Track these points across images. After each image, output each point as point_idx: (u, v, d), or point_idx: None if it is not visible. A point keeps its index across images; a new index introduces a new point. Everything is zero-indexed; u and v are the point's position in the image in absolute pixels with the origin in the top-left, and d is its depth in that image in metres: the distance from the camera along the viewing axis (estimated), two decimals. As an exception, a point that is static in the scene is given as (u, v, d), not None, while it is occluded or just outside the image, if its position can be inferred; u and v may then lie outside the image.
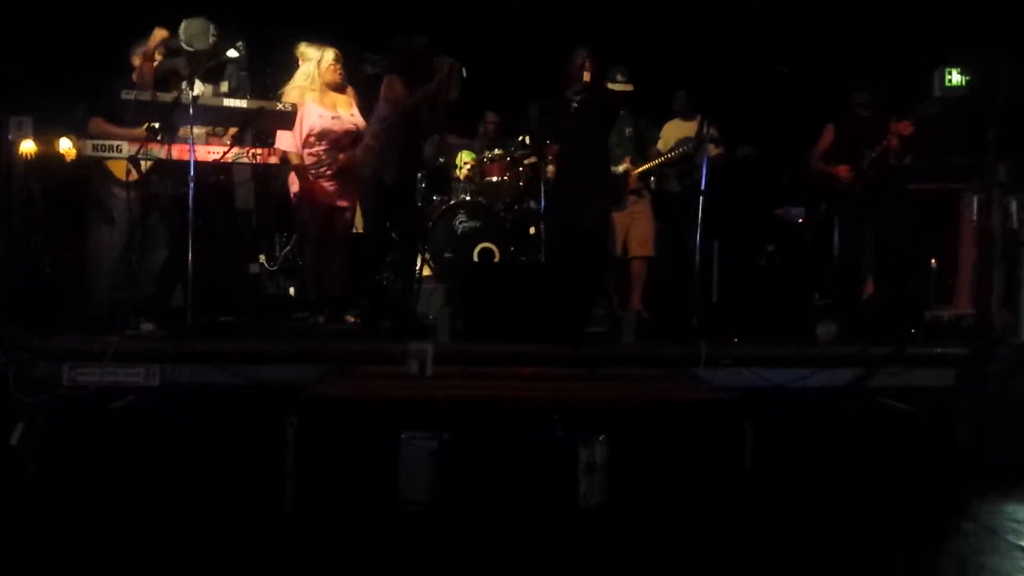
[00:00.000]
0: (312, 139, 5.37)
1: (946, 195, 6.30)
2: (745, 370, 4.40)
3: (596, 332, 5.01)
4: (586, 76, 5.63)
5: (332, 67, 5.40)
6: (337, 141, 5.40)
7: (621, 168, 6.26)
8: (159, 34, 5.25)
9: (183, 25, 5.25)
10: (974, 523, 3.63)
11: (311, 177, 5.39)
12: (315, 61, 5.40)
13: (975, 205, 5.98)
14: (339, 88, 5.48)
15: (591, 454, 3.57)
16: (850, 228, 5.85)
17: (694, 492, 3.64)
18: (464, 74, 5.35)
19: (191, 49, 5.24)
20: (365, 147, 5.39)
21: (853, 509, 3.72)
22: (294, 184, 5.49)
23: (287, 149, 5.31)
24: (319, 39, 5.48)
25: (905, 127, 5.58)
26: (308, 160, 5.38)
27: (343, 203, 5.54)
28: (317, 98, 5.40)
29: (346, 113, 5.46)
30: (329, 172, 5.41)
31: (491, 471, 3.62)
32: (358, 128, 5.45)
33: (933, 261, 6.11)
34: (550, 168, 6.10)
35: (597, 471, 3.57)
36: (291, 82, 5.43)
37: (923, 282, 5.95)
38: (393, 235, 6.24)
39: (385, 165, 5.30)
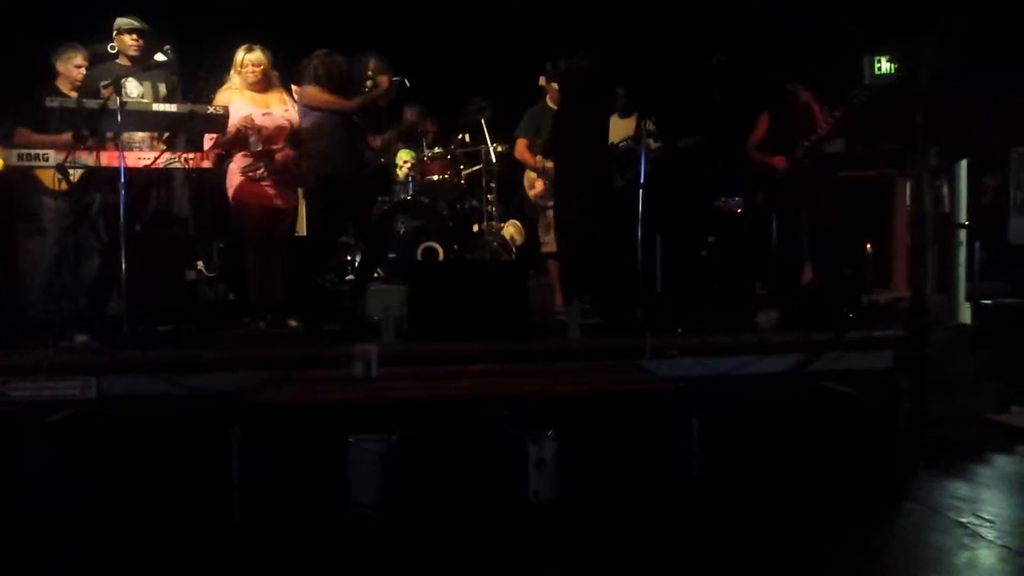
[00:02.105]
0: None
1: (879, 181, 6.44)
2: (690, 360, 4.43)
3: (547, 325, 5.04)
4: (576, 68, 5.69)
5: (249, 69, 5.27)
6: (270, 137, 5.30)
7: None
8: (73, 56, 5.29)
9: (118, 20, 5.25)
10: (916, 502, 3.71)
11: (247, 178, 5.30)
12: (238, 57, 5.31)
13: (908, 190, 6.11)
14: (262, 88, 5.35)
15: (540, 450, 3.57)
16: (787, 216, 5.93)
17: (643, 482, 3.67)
18: (407, 85, 5.41)
19: (134, 27, 5.23)
20: (307, 150, 5.32)
21: (798, 492, 3.79)
22: (231, 187, 5.38)
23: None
24: (254, 41, 5.40)
25: (829, 123, 5.66)
26: (242, 161, 5.28)
27: (281, 204, 5.44)
28: (247, 98, 5.30)
29: (279, 110, 5.36)
30: (264, 172, 5.30)
31: (441, 471, 3.60)
32: (291, 124, 5.36)
33: (869, 246, 6.23)
34: (548, 163, 6.13)
35: (547, 467, 3.57)
36: (224, 86, 5.34)
37: (859, 267, 6.05)
38: (341, 238, 6.20)
39: (330, 166, 5.26)
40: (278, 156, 5.29)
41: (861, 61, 6.83)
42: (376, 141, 6.28)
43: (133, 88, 5.20)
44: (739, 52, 6.85)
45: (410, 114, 7.03)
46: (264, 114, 5.29)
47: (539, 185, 6.63)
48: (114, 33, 5.30)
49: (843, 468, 3.95)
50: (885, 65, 6.81)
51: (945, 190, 5.93)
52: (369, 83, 5.34)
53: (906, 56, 6.30)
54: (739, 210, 6.66)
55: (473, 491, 3.57)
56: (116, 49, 5.32)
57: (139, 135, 4.99)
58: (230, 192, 5.39)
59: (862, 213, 6.25)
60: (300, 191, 5.79)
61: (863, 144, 6.39)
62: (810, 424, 4.02)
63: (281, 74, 5.53)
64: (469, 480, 3.59)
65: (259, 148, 5.21)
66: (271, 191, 5.37)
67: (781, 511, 3.63)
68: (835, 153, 6.10)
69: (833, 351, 4.48)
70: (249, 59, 5.27)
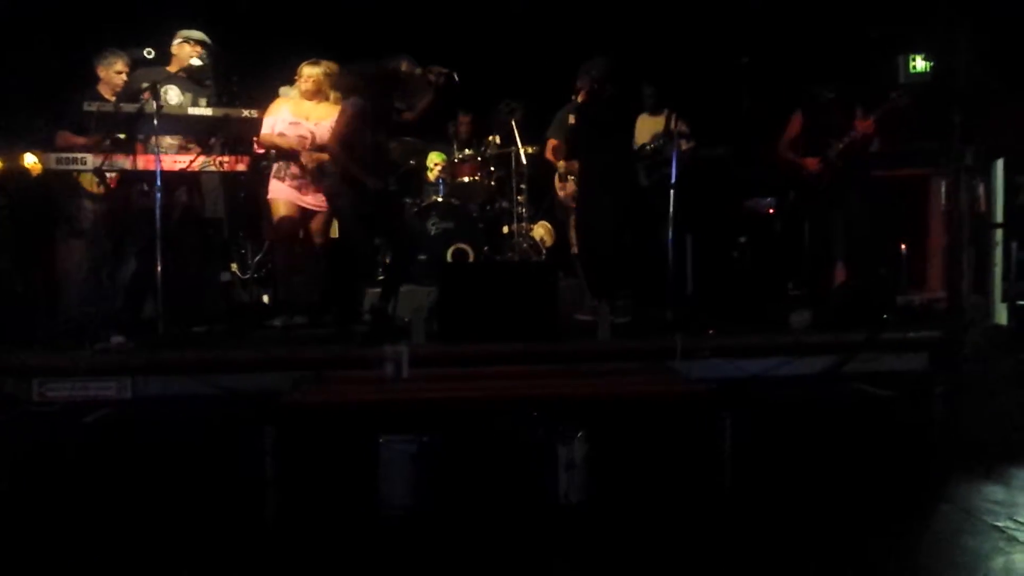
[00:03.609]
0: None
1: (914, 180, 6.35)
2: (721, 361, 4.40)
3: (578, 326, 5.02)
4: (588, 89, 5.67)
5: (305, 78, 5.49)
6: (292, 146, 5.41)
7: None
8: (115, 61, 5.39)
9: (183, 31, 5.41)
10: (951, 504, 3.65)
11: (276, 177, 5.47)
12: (301, 70, 5.52)
13: (943, 189, 6.03)
14: (314, 99, 5.52)
15: (570, 451, 3.56)
16: (819, 217, 5.88)
17: (674, 485, 3.64)
18: (456, 79, 5.38)
19: (199, 39, 5.40)
20: (337, 155, 5.38)
21: (832, 494, 3.74)
22: (269, 188, 5.50)
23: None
24: (297, 51, 5.55)
25: (868, 126, 5.62)
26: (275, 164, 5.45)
27: (311, 205, 5.54)
28: (291, 106, 5.51)
29: (311, 123, 5.48)
30: (289, 175, 5.44)
31: (471, 472, 3.61)
32: (313, 136, 5.45)
33: (903, 246, 6.15)
34: (561, 164, 6.12)
35: (577, 468, 3.56)
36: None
37: (894, 267, 5.99)
38: (375, 240, 6.24)
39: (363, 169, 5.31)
40: (303, 159, 5.36)
41: (895, 60, 6.74)
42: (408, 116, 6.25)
43: (174, 96, 5.30)
44: (767, 52, 6.82)
45: (464, 120, 7.04)
46: (291, 123, 5.43)
47: (570, 186, 6.63)
48: (176, 41, 5.40)
49: (878, 471, 3.91)
50: (920, 64, 6.71)
51: (981, 190, 5.84)
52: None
53: (942, 54, 6.21)
54: (771, 210, 6.61)
55: (503, 492, 3.57)
56: (152, 54, 5.41)
57: (168, 139, 5.06)
58: (261, 194, 5.53)
59: (896, 213, 6.17)
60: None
61: (898, 143, 6.31)
62: (844, 426, 3.99)
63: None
64: (499, 481, 3.59)
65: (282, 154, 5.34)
66: (299, 192, 5.48)
67: (814, 514, 3.59)
68: (869, 152, 6.03)
69: (867, 352, 4.43)
70: (306, 71, 5.50)
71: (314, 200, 5.52)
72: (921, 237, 6.19)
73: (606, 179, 5.65)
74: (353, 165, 5.07)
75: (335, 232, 5.88)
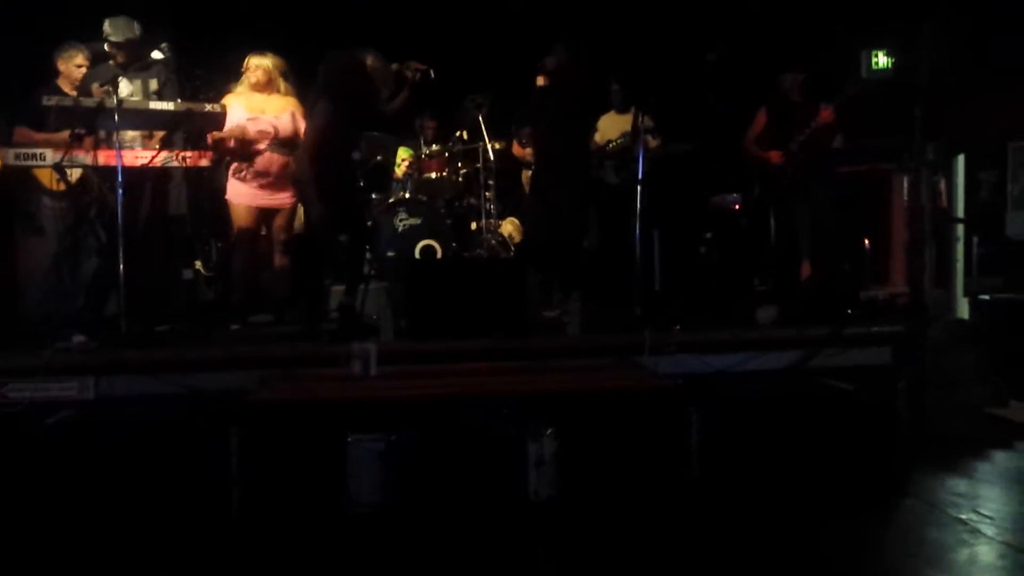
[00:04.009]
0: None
1: (877, 176, 6.42)
2: (688, 357, 4.43)
3: (546, 322, 5.03)
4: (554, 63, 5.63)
5: (252, 70, 5.35)
6: (253, 140, 5.32)
7: None
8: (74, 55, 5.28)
9: (107, 22, 5.21)
10: (915, 498, 3.71)
11: (236, 177, 5.37)
12: (245, 62, 5.38)
13: (905, 185, 6.11)
14: (265, 91, 5.39)
15: (540, 448, 3.56)
16: (785, 212, 5.93)
17: (643, 479, 3.66)
18: (432, 76, 5.36)
19: (117, 41, 5.20)
20: (304, 150, 5.33)
21: (797, 487, 3.78)
22: (226, 186, 5.43)
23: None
24: (259, 44, 5.43)
25: (827, 114, 5.67)
26: (232, 162, 5.34)
27: (270, 204, 5.46)
28: (243, 101, 5.36)
29: (270, 116, 5.38)
30: (248, 173, 5.34)
31: (441, 469, 3.60)
32: (277, 130, 5.38)
33: (867, 241, 6.23)
34: (527, 150, 6.08)
35: (546, 464, 3.57)
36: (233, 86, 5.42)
37: (858, 262, 6.05)
38: (340, 237, 6.18)
39: (323, 165, 5.25)
40: (258, 161, 5.31)
41: (857, 55, 6.81)
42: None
43: (124, 87, 5.20)
44: (733, 47, 6.85)
45: (431, 124, 7.01)
46: (251, 118, 5.33)
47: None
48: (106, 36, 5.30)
49: (842, 464, 3.96)
50: (882, 59, 6.78)
51: (942, 185, 5.92)
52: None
53: (904, 50, 6.28)
54: (737, 206, 6.66)
55: (473, 489, 3.57)
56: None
57: (131, 134, 4.97)
58: (225, 191, 5.44)
59: (860, 208, 6.24)
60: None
61: (860, 138, 6.38)
62: (809, 420, 4.03)
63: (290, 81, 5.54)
64: (469, 478, 3.58)
65: (242, 149, 5.25)
66: (258, 191, 5.40)
67: (780, 507, 3.62)
68: (832, 148, 6.09)
69: (832, 347, 4.48)
70: (254, 62, 5.36)
71: (277, 197, 5.45)
72: (884, 232, 6.26)
73: (562, 169, 5.63)
74: (313, 184, 5.02)
75: (299, 226, 5.84)
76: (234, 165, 5.35)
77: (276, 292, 5.47)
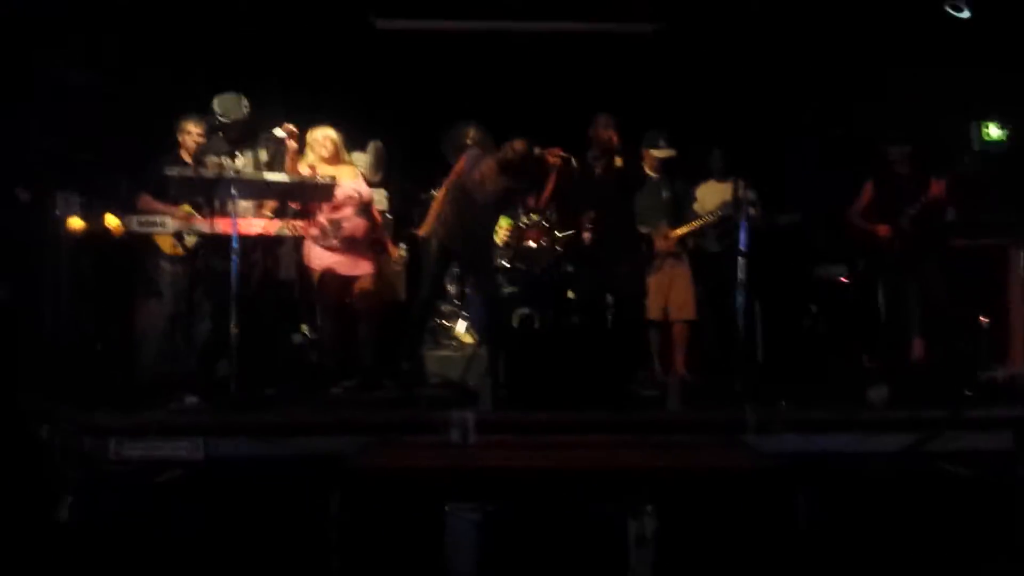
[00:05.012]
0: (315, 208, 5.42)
1: (992, 251, 6.19)
2: (795, 436, 4.29)
3: (647, 396, 4.95)
4: (605, 139, 5.66)
5: (322, 141, 5.42)
6: (338, 208, 5.39)
7: (658, 231, 6.27)
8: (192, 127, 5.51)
9: (215, 100, 5.40)
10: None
11: (319, 246, 5.42)
12: (308, 136, 5.46)
13: (1022, 260, 5.89)
14: (333, 162, 5.46)
15: (641, 526, 3.48)
16: (894, 287, 5.76)
17: (747, 563, 3.53)
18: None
19: (226, 120, 5.38)
20: (433, 216, 5.51)
21: (912, 579, 3.60)
22: (306, 255, 5.52)
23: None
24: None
25: (938, 189, 5.52)
26: (313, 231, 5.39)
27: (353, 271, 5.52)
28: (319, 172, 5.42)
29: (348, 182, 5.42)
30: (336, 241, 5.40)
31: (537, 544, 3.55)
32: (360, 195, 5.46)
33: (984, 319, 5.98)
34: (586, 235, 6.12)
35: (647, 544, 3.48)
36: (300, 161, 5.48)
37: (974, 341, 5.81)
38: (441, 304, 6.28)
39: (444, 233, 5.39)
40: (345, 224, 5.39)
41: (967, 125, 6.64)
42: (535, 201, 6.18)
43: (239, 162, 5.39)
44: (836, 116, 6.76)
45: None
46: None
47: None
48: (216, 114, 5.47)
49: (958, 554, 3.76)
50: (994, 131, 6.60)
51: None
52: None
53: (1018, 120, 6.10)
54: (843, 279, 6.49)
55: (571, 566, 3.50)
56: (294, 132, 5.51)
57: (243, 203, 5.12)
58: (305, 259, 5.54)
59: (974, 284, 6.01)
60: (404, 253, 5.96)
61: (973, 212, 6.18)
62: (924, 507, 3.84)
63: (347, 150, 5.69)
64: (566, 554, 3.52)
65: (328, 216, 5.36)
66: (342, 258, 5.46)
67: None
68: (945, 220, 5.91)
69: (949, 431, 4.28)
70: (320, 133, 5.43)
71: (355, 264, 5.51)
72: (1001, 309, 6.01)
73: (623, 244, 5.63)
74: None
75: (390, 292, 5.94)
76: (318, 231, 5.37)
77: (365, 358, 5.54)
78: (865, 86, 6.84)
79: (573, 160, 5.45)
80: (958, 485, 3.94)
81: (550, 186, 5.51)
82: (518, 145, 5.27)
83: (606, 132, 5.64)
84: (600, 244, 5.79)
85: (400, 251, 6.36)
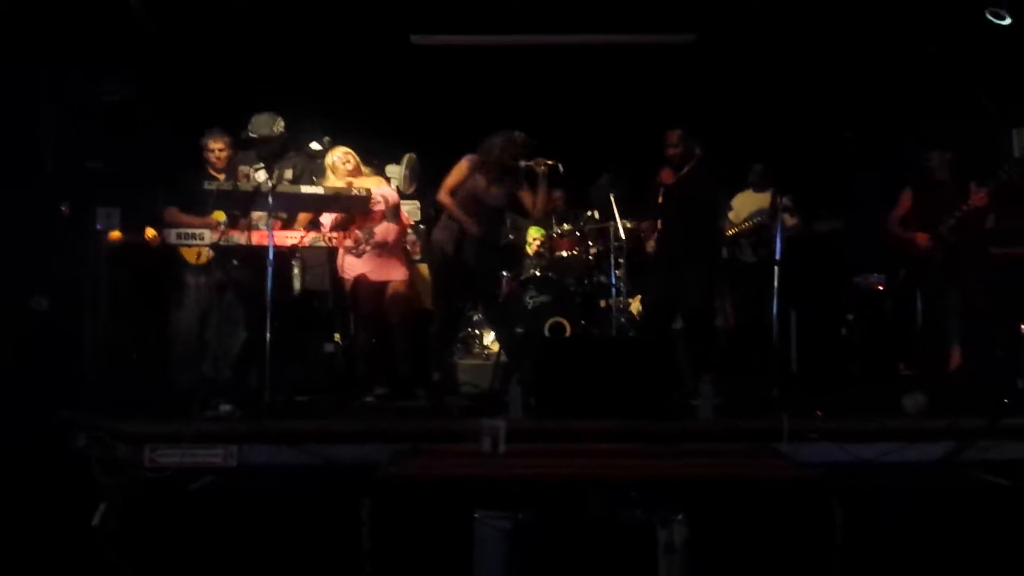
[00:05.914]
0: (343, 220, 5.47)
1: (1033, 259, 6.08)
2: (830, 445, 4.23)
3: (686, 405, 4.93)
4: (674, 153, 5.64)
5: (343, 156, 5.48)
6: (367, 215, 5.42)
7: None
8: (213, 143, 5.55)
9: (254, 117, 5.49)
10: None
11: (351, 253, 5.44)
12: (328, 159, 5.52)
13: (1064, 269, 5.77)
14: (357, 174, 5.52)
15: (670, 534, 3.45)
16: (933, 295, 5.67)
17: (781, 574, 3.49)
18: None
19: (255, 136, 5.46)
20: (441, 226, 5.58)
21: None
22: (340, 264, 5.58)
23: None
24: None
25: (980, 198, 5.43)
26: (348, 242, 5.37)
27: (386, 278, 5.54)
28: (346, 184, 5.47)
29: (374, 189, 5.43)
30: (366, 248, 5.39)
31: (567, 551, 3.53)
32: (387, 200, 5.50)
33: (1023, 327, 5.87)
34: (650, 243, 6.13)
35: (676, 552, 3.45)
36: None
37: (1014, 349, 5.69)
38: (470, 313, 6.30)
39: (462, 244, 5.43)
40: (377, 230, 5.39)
41: (1008, 131, 6.54)
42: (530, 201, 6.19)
43: (261, 175, 5.43)
44: (876, 125, 6.69)
45: (558, 196, 7.17)
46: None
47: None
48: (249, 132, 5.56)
49: (1000, 565, 3.68)
50: (1035, 139, 6.49)
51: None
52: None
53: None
54: (880, 287, 6.41)
55: (599, 573, 3.48)
56: (328, 143, 5.62)
57: (258, 214, 5.16)
58: (339, 269, 5.60)
59: (1014, 292, 5.90)
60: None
61: (1015, 220, 6.07)
62: (963, 517, 3.76)
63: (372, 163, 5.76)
64: (596, 562, 3.50)
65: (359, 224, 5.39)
66: (373, 264, 5.49)
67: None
68: (985, 229, 5.81)
69: (987, 439, 4.19)
70: (341, 151, 5.49)
71: (388, 271, 5.54)
72: (1042, 318, 5.88)
73: (689, 250, 5.57)
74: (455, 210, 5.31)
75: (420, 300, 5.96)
76: (350, 241, 5.36)
77: (397, 367, 5.56)
78: (905, 95, 6.78)
79: (560, 167, 5.46)
80: (996, 495, 3.86)
81: (542, 195, 5.55)
82: (496, 147, 5.42)
83: (677, 148, 5.62)
84: (667, 253, 5.76)
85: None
